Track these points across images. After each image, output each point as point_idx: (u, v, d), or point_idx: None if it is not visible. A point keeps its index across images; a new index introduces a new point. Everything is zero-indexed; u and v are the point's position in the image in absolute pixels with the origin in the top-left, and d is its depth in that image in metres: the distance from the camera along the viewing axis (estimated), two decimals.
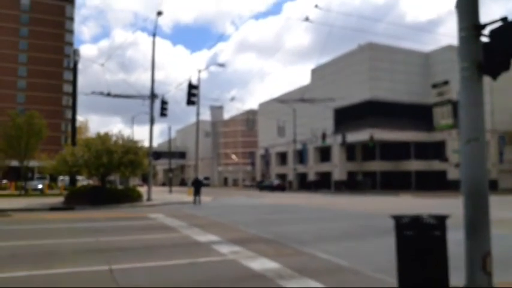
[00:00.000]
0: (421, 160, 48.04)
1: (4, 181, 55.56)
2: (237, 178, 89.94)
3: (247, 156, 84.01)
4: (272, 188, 58.53)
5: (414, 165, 47.65)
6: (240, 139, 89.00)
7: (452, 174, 43.03)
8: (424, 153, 48.66)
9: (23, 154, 33.52)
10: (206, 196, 33.23)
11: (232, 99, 55.43)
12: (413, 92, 47.49)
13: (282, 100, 43.96)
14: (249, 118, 38.79)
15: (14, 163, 44.84)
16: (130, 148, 22.51)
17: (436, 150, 47.39)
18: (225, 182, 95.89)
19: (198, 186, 26.67)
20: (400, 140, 47.96)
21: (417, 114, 47.36)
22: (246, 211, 18.23)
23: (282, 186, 57.81)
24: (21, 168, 35.19)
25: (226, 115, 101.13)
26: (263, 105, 69.46)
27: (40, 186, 43.20)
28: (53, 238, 9.66)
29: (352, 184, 52.41)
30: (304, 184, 58.60)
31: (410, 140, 48.00)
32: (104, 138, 22.08)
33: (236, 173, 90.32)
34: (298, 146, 54.74)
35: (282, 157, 67.64)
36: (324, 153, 57.54)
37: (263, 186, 57.61)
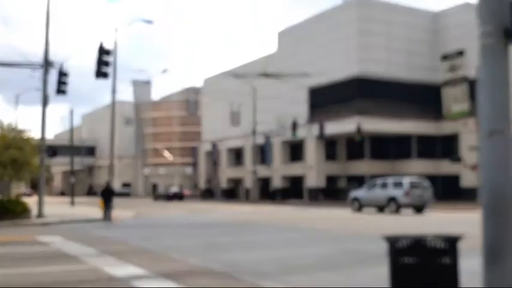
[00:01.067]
0: (426, 160, 49.99)
1: None
2: (171, 184, 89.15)
3: (186, 153, 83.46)
4: (168, 198, 59.60)
5: (416, 166, 49.49)
6: (177, 129, 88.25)
7: (468, 179, 45.13)
8: (429, 150, 50.63)
9: None
10: (125, 211, 32.65)
11: (165, 71, 54.20)
12: (417, 66, 49.21)
13: (236, 75, 43.93)
14: (190, 99, 38.16)
15: None
16: (12, 141, 21.70)
17: (446, 147, 49.48)
18: (154, 190, 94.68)
19: (108, 196, 26.14)
20: (398, 133, 49.57)
21: (421, 97, 49.16)
22: (184, 232, 18.08)
23: (180, 195, 58.45)
24: None
25: (157, 94, 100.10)
26: (210, 82, 69.22)
27: None
28: None
29: (333, 192, 53.59)
30: (267, 192, 59.16)
31: (412, 133, 49.72)
32: None
33: (170, 178, 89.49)
34: (259, 140, 55.10)
35: (237, 155, 67.83)
36: (295, 150, 58.27)
37: (158, 195, 57.97)
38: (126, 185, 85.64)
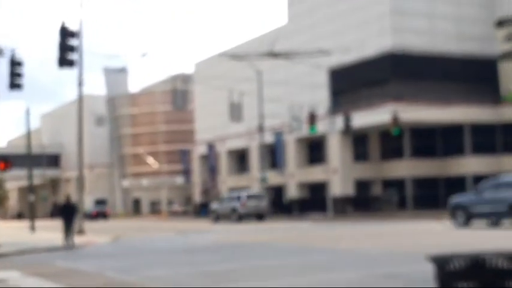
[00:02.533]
0: (483, 156, 49.81)
1: None
2: (157, 200, 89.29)
3: (175, 158, 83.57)
4: (91, 217, 61.98)
5: (471, 164, 49.34)
6: (162, 127, 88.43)
7: None
8: (487, 143, 50.40)
9: None
10: (101, 235, 32.75)
11: (144, 55, 54.20)
12: (468, 35, 49.00)
13: (236, 56, 43.81)
14: (177, 90, 37.95)
15: None
16: None
17: (509, 138, 49.24)
18: (136, 206, 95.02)
19: (69, 215, 25.65)
20: (446, 122, 49.42)
21: (474, 76, 48.94)
22: (175, 258, 18.09)
23: (103, 214, 59.61)
24: None
25: (135, 86, 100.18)
26: (202, 66, 69.31)
27: None
28: None
29: (364, 202, 53.42)
30: (280, 204, 59.14)
31: (464, 122, 49.53)
32: None
33: (156, 191, 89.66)
34: (268, 138, 55.11)
35: (240, 158, 67.86)
36: (314, 150, 58.17)
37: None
38: (100, 201, 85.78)
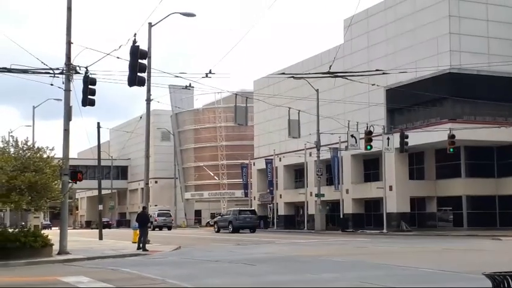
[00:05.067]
0: None
1: None
2: (217, 211, 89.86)
3: (234, 173, 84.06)
4: (156, 227, 63.49)
5: None
6: (223, 143, 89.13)
7: None
8: None
9: None
10: (165, 244, 33.21)
11: (208, 75, 53.45)
12: None
13: (294, 75, 43.81)
14: (239, 105, 38.30)
15: None
16: (29, 161, 22.45)
17: None
18: (198, 217, 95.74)
19: (143, 222, 28.02)
20: (503, 142, 48.14)
21: None
22: (234, 268, 18.20)
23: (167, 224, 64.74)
24: None
25: (199, 102, 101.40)
26: (261, 84, 69.67)
27: None
28: None
29: (420, 219, 52.46)
30: (335, 220, 58.71)
31: None
32: None
33: (216, 203, 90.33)
34: (325, 155, 54.88)
35: (297, 174, 67.68)
36: (370, 167, 57.56)
37: None
38: (163, 212, 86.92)
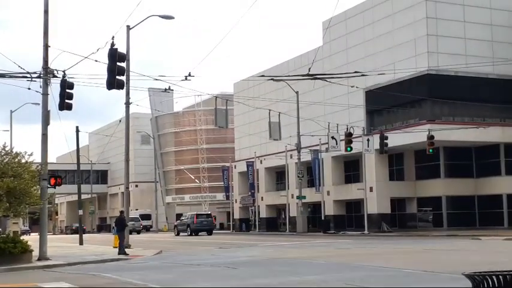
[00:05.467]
0: None
1: None
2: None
3: (215, 176, 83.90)
4: (136, 231, 63.27)
5: (506, 184, 48.35)
6: (204, 146, 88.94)
7: None
8: None
9: None
10: (146, 248, 33.01)
11: (188, 78, 53.14)
12: (502, 57, 48.14)
13: (274, 77, 43.86)
14: (219, 108, 38.22)
15: None
16: (7, 167, 22.18)
17: None
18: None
19: (121, 226, 28.14)
20: (481, 142, 48.59)
21: (508, 96, 48.10)
22: (217, 272, 18.12)
23: (148, 228, 65.35)
24: None
25: (178, 105, 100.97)
26: (241, 86, 69.63)
27: None
28: None
29: (400, 220, 52.73)
30: (317, 222, 58.80)
31: (499, 142, 48.70)
32: None
33: (198, 206, 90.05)
34: (305, 157, 54.97)
35: (278, 176, 67.69)
36: (351, 168, 57.73)
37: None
38: (145, 216, 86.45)
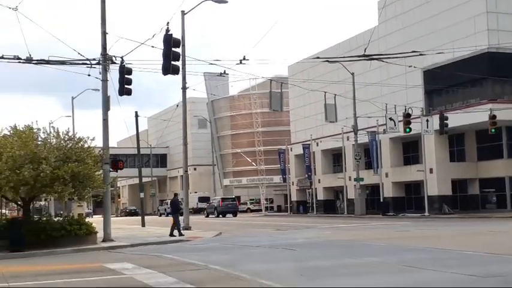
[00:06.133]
0: None
1: None
2: (256, 198, 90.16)
3: (272, 158, 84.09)
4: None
5: None
6: (260, 129, 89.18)
7: None
8: None
9: None
10: (205, 230, 33.47)
11: (242, 61, 52.59)
12: None
13: (329, 59, 43.43)
14: (274, 91, 38.05)
15: None
16: (71, 152, 22.82)
17: None
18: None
19: (175, 209, 29.14)
20: None
21: None
22: (275, 254, 18.26)
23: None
24: None
25: (234, 89, 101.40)
26: (295, 69, 69.33)
27: None
28: None
29: (462, 201, 51.70)
30: (375, 204, 58.34)
31: None
32: (25, 137, 22.44)
33: (255, 189, 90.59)
34: (363, 139, 54.47)
35: (336, 158, 67.40)
36: (409, 149, 56.92)
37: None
38: (203, 199, 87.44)
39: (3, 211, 44.70)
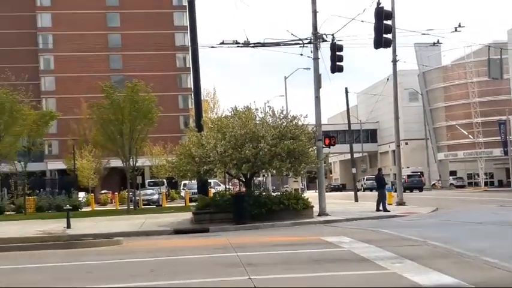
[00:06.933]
0: None
1: (103, 192, 64.85)
2: (473, 172, 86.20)
3: (491, 130, 79.48)
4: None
5: None
6: (477, 99, 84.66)
7: None
8: None
9: (128, 149, 37.73)
10: (421, 206, 32.93)
11: (458, 29, 48.47)
12: None
13: None
14: (492, 58, 35.85)
15: (115, 163, 51.18)
16: (286, 130, 23.86)
17: None
18: (454, 177, 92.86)
19: (380, 184, 29.46)
20: None
21: None
22: (500, 231, 17.45)
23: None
24: (125, 171, 40.08)
25: (447, 59, 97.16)
26: None
27: (155, 196, 49.68)
28: (184, 277, 11.03)
29: None
30: None
31: None
32: (245, 117, 23.93)
33: (473, 163, 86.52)
34: None
35: None
36: None
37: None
38: (414, 173, 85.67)
39: (228, 186, 47.98)
